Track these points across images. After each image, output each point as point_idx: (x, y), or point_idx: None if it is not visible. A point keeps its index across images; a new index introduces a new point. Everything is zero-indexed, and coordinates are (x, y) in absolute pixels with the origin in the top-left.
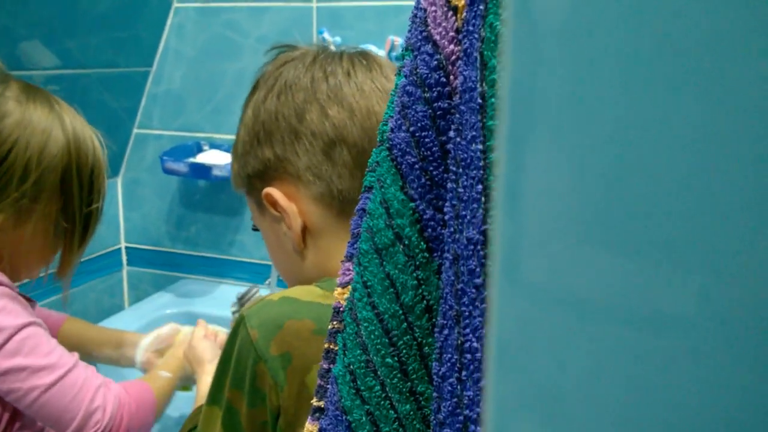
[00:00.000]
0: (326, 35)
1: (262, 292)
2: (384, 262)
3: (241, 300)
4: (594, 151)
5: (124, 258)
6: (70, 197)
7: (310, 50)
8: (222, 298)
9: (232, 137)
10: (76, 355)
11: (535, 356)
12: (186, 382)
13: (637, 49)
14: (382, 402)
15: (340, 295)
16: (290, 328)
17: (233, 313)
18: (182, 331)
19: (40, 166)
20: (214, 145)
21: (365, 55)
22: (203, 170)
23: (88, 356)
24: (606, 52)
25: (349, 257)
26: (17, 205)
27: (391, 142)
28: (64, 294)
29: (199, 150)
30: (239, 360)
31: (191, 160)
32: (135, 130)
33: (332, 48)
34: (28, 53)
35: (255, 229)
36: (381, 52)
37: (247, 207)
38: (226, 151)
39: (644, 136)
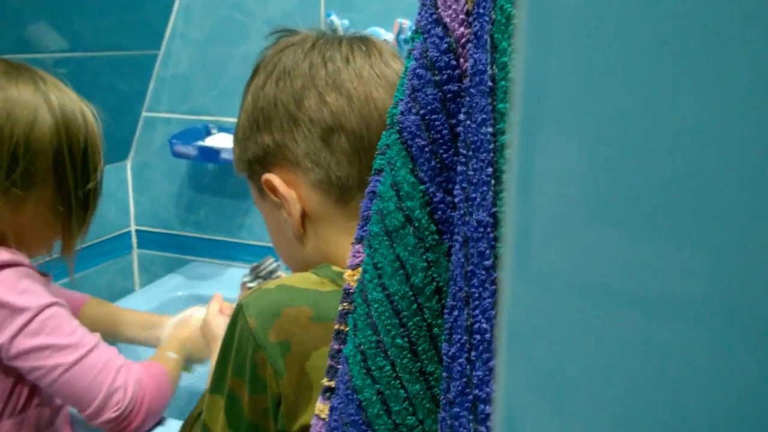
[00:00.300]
0: (334, 18)
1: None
2: (394, 244)
3: (256, 270)
4: (606, 135)
5: (135, 241)
6: (64, 180)
7: (309, 35)
8: (231, 281)
9: None
10: (97, 335)
11: (546, 340)
12: (187, 363)
13: (652, 31)
14: (393, 381)
15: (350, 277)
16: (288, 315)
17: (244, 284)
18: (194, 316)
19: (28, 153)
20: (222, 129)
21: (365, 41)
22: (212, 153)
23: (113, 336)
24: (620, 34)
25: (359, 239)
26: (9, 194)
27: (401, 125)
28: (70, 275)
29: (208, 133)
30: (239, 348)
31: (200, 143)
32: (144, 114)
33: (338, 31)
34: (36, 36)
35: None
36: (389, 35)
37: None
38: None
39: (658, 119)
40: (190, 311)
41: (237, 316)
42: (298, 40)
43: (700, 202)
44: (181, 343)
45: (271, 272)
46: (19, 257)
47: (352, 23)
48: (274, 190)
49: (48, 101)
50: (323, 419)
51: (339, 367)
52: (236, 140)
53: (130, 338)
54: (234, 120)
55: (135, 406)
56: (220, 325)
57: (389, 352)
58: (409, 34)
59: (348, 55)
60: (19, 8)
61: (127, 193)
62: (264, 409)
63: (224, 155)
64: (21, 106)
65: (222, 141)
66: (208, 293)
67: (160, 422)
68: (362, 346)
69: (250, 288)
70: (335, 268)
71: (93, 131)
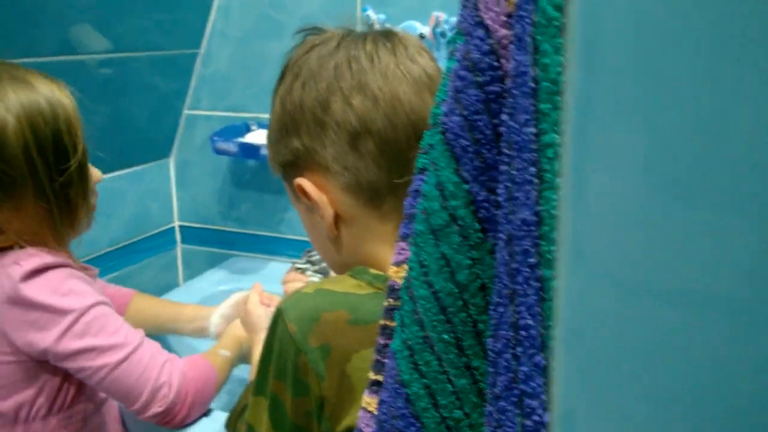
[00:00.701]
0: (371, 13)
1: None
2: (439, 243)
3: (308, 254)
4: (659, 139)
5: (178, 236)
6: (40, 175)
7: (335, 34)
8: (272, 275)
9: None
10: (141, 331)
11: (600, 337)
12: (244, 359)
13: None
14: (439, 376)
15: (396, 274)
16: (326, 319)
17: (297, 268)
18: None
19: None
20: (261, 125)
21: (390, 37)
22: (252, 150)
23: (160, 329)
24: (672, 34)
25: (404, 237)
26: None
27: (444, 126)
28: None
29: (248, 130)
30: (280, 353)
31: (240, 140)
32: (185, 112)
33: (374, 26)
34: (78, 38)
35: None
36: (425, 29)
37: None
38: None
39: (717, 124)
40: (234, 299)
41: (277, 321)
42: (323, 39)
43: (749, 209)
44: (237, 341)
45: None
46: (60, 258)
47: (388, 17)
48: (306, 194)
49: (4, 101)
50: (371, 412)
51: (386, 361)
52: (269, 143)
53: (177, 330)
54: None
55: (180, 399)
56: (261, 317)
57: (436, 348)
58: (446, 27)
59: (373, 54)
60: (61, 11)
61: (171, 190)
62: (307, 411)
63: (264, 151)
64: None
65: (262, 137)
66: (250, 287)
67: (206, 414)
68: (409, 342)
69: (299, 269)
70: (372, 271)
71: (65, 113)
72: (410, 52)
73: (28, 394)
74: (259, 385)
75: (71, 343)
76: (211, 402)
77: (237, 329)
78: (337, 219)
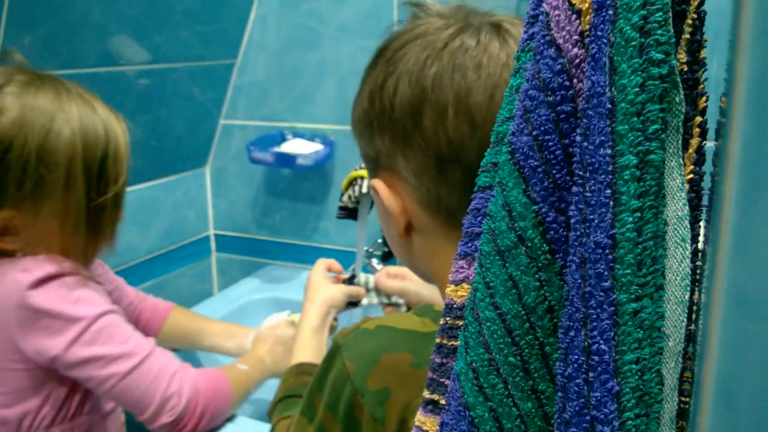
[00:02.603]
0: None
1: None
2: (506, 264)
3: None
4: None
5: (213, 245)
6: (74, 191)
7: (446, 24)
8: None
9: (315, 126)
10: (152, 340)
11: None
12: (275, 375)
13: None
14: (505, 399)
15: (453, 292)
16: (387, 362)
17: (350, 278)
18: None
19: (39, 166)
20: (297, 134)
21: (507, 38)
22: (288, 159)
23: (198, 345)
24: None
25: (463, 255)
26: (21, 204)
27: (513, 146)
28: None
29: (283, 139)
30: (334, 387)
31: (276, 149)
32: (221, 121)
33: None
34: (119, 49)
35: (339, 217)
36: None
37: (330, 195)
38: (309, 139)
39: None
40: (271, 321)
41: (335, 355)
42: (430, 29)
43: None
44: (257, 358)
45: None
46: (72, 266)
47: None
48: (379, 196)
49: (66, 112)
50: (425, 431)
51: (441, 380)
52: (353, 128)
53: (215, 347)
54: (308, 125)
55: (190, 410)
56: (318, 288)
57: (501, 371)
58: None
59: (482, 66)
60: (102, 23)
61: (206, 199)
62: None
63: (300, 161)
64: (37, 116)
65: (297, 147)
66: (284, 296)
67: (230, 419)
68: (474, 364)
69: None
70: (436, 308)
71: (117, 142)
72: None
73: (33, 403)
74: (306, 407)
75: (80, 352)
76: (225, 414)
77: (257, 348)
78: (410, 226)
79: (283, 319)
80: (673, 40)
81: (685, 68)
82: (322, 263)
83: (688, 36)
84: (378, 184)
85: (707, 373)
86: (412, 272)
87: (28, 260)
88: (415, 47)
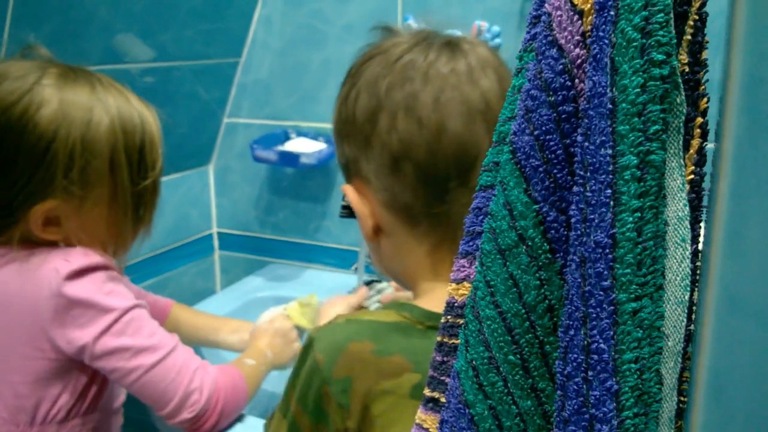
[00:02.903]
0: (411, 22)
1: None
2: (507, 263)
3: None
4: None
5: (216, 243)
6: (119, 178)
7: (400, 42)
8: (309, 283)
9: (319, 125)
10: (176, 336)
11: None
12: (278, 366)
13: None
14: (504, 397)
15: (454, 291)
16: (351, 350)
17: (369, 282)
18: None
19: (84, 153)
20: (301, 133)
21: (455, 50)
22: (291, 158)
23: (201, 342)
24: None
25: (464, 254)
26: (68, 193)
27: (514, 146)
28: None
29: (287, 138)
30: (306, 379)
31: (280, 148)
32: (225, 120)
33: (431, 32)
34: (124, 47)
35: (342, 216)
36: None
37: (333, 194)
38: (313, 138)
39: None
40: (268, 315)
41: (308, 350)
42: (386, 48)
43: None
44: (260, 352)
45: (379, 292)
46: (107, 260)
47: (429, 26)
48: (349, 200)
49: (104, 102)
50: (426, 429)
51: (442, 378)
52: (334, 140)
53: (218, 343)
54: (312, 124)
55: (210, 407)
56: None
57: (501, 369)
58: (488, 36)
59: (428, 72)
60: (107, 21)
61: (210, 197)
62: None
63: (303, 159)
64: (77, 107)
65: (301, 146)
66: (287, 294)
67: (239, 419)
68: (474, 362)
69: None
70: (402, 301)
71: (151, 130)
72: (474, 72)
73: (51, 394)
74: (283, 404)
75: (109, 342)
76: (241, 410)
77: (258, 340)
78: (379, 229)
79: (279, 312)
80: (675, 41)
81: (687, 69)
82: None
83: (689, 37)
84: (347, 188)
85: (699, 369)
86: (385, 275)
87: (67, 251)
88: (374, 63)
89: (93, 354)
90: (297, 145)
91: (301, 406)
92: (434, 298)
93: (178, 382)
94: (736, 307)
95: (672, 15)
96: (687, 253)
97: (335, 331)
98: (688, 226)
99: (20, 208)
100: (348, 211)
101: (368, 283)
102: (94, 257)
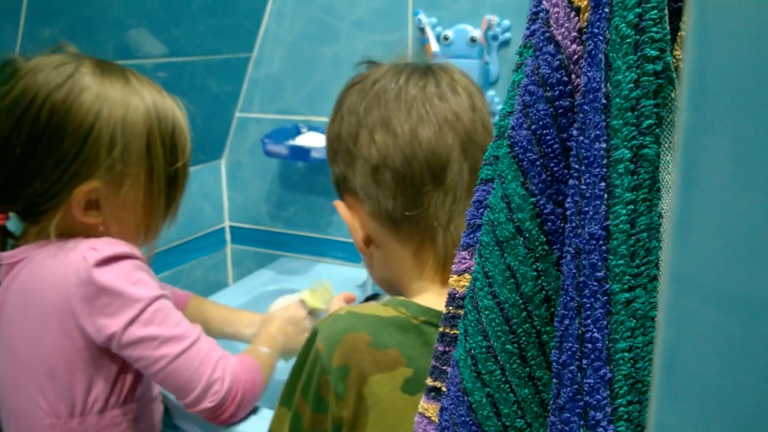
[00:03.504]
0: (422, 17)
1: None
2: (505, 254)
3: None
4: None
5: (228, 236)
6: (155, 160)
7: (379, 70)
8: (320, 276)
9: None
10: (198, 326)
11: (701, 353)
12: (283, 354)
13: None
14: (502, 385)
15: (456, 282)
16: (348, 340)
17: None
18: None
19: (125, 133)
20: (312, 128)
21: (426, 74)
22: (302, 152)
23: (219, 334)
24: None
25: (465, 246)
26: (111, 173)
27: (512, 140)
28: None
29: (298, 132)
30: (309, 370)
31: (291, 142)
32: (237, 114)
33: (425, 29)
34: (137, 42)
35: None
36: (477, 32)
37: None
38: (324, 133)
39: None
40: (283, 302)
41: (312, 340)
42: (366, 76)
43: None
44: (272, 338)
45: None
46: (135, 250)
47: (439, 20)
48: (340, 215)
49: (138, 91)
50: (428, 417)
51: (444, 368)
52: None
53: (236, 335)
54: (323, 119)
55: (230, 397)
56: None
57: (499, 358)
58: (498, 30)
59: (401, 92)
60: (120, 17)
61: (221, 191)
62: (323, 429)
63: (314, 154)
64: (115, 93)
65: (312, 140)
66: (298, 288)
67: (254, 411)
68: (473, 351)
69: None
70: (400, 298)
71: (179, 118)
72: (442, 90)
73: (85, 383)
74: (285, 395)
75: (137, 331)
76: (257, 401)
77: (269, 328)
78: (369, 241)
79: (294, 300)
80: (669, 37)
81: (681, 65)
82: (339, 299)
83: (684, 33)
84: (338, 204)
85: (656, 351)
86: (379, 285)
87: (94, 241)
88: (353, 91)
89: (120, 343)
90: (308, 139)
91: (303, 395)
92: (427, 296)
93: (202, 371)
94: (684, 287)
95: (666, 12)
96: None
97: (336, 321)
98: None
99: (63, 190)
100: None
101: (373, 297)
102: (121, 246)
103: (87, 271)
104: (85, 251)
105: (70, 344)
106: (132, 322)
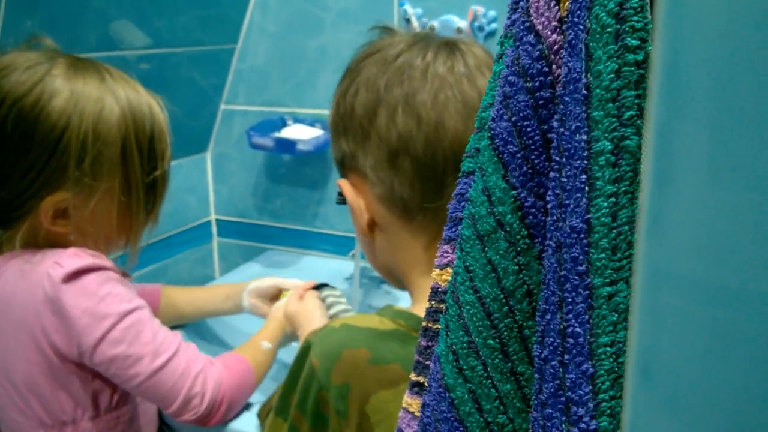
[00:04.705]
0: (407, 7)
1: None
2: (486, 248)
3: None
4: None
5: (214, 230)
6: (132, 168)
7: (401, 40)
8: (307, 269)
9: (315, 111)
10: (178, 336)
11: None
12: (287, 342)
13: None
14: (484, 381)
15: (438, 276)
16: (347, 357)
17: (318, 286)
18: (282, 296)
19: (96, 142)
20: (297, 120)
21: (453, 50)
22: (288, 144)
23: (198, 314)
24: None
25: (448, 240)
26: (79, 184)
27: (492, 132)
28: (129, 262)
29: (284, 124)
30: (304, 386)
31: (276, 134)
32: (222, 106)
33: (411, 21)
34: (120, 34)
35: (338, 203)
36: (463, 23)
37: (330, 181)
38: (310, 125)
39: None
40: (267, 282)
41: (305, 354)
42: (387, 45)
43: None
44: (280, 326)
45: (330, 306)
46: (101, 260)
47: (425, 11)
48: (344, 194)
49: (114, 93)
50: (411, 413)
51: (427, 363)
52: (330, 136)
53: (214, 312)
54: (309, 111)
55: (214, 408)
56: (298, 312)
57: (481, 353)
58: (484, 21)
59: (428, 70)
60: (103, 8)
61: (207, 184)
62: None
63: (300, 146)
64: (88, 98)
65: (298, 132)
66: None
67: (247, 407)
68: (454, 347)
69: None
70: (396, 308)
71: (159, 121)
72: (471, 71)
73: (70, 396)
74: (280, 406)
75: (107, 350)
76: (248, 399)
77: (279, 312)
78: (373, 224)
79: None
80: (650, 26)
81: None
82: (312, 294)
83: (655, 18)
84: (343, 183)
85: (630, 344)
86: (377, 271)
87: (59, 253)
88: (372, 61)
89: (93, 362)
90: (294, 131)
91: (301, 411)
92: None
93: (180, 386)
94: (659, 281)
95: (647, 0)
96: None
97: (330, 335)
98: None
99: (31, 199)
100: (344, 198)
101: (319, 287)
102: (86, 259)
103: (53, 288)
104: (50, 267)
105: (46, 360)
106: (101, 340)
